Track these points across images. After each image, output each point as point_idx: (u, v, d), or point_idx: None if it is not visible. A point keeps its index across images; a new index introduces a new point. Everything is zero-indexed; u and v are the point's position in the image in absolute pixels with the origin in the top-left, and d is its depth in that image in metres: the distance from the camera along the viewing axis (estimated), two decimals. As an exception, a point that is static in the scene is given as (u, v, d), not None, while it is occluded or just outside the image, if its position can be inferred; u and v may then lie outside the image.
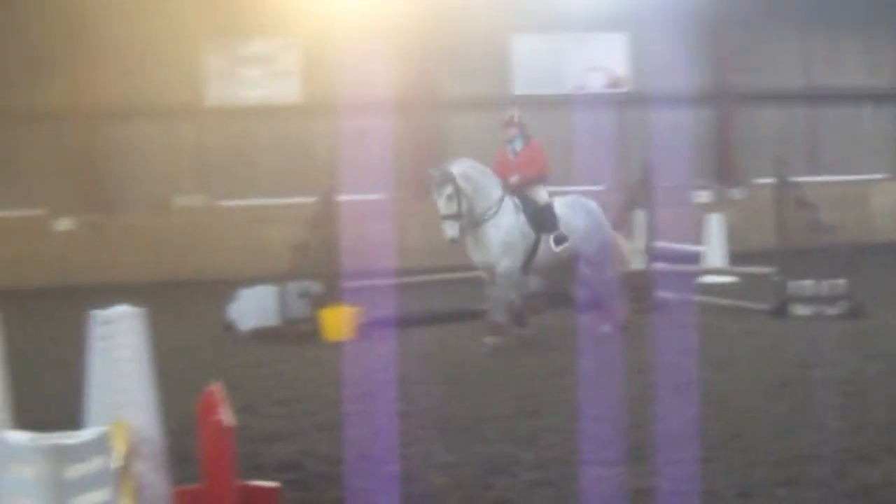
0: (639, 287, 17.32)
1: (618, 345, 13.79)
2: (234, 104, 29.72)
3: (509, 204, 14.31)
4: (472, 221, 14.04)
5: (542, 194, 14.73)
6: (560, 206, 14.91)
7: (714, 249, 21.70)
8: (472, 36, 30.19)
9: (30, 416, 6.71)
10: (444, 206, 13.81)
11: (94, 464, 4.66)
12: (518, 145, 14.92)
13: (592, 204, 15.59)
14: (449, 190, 13.80)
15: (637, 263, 17.08)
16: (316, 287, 15.91)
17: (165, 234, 27.35)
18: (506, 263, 14.13)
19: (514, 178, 14.48)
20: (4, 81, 28.65)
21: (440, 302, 17.65)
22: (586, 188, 25.57)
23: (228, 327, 16.16)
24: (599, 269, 15.31)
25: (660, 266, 18.10)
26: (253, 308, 16.05)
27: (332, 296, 15.39)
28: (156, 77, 28.92)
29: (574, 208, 15.11)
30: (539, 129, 28.17)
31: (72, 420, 6.33)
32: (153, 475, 6.00)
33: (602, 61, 31.55)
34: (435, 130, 30.38)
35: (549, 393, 11.12)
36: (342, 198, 16.68)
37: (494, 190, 14.29)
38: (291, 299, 15.86)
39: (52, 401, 10.22)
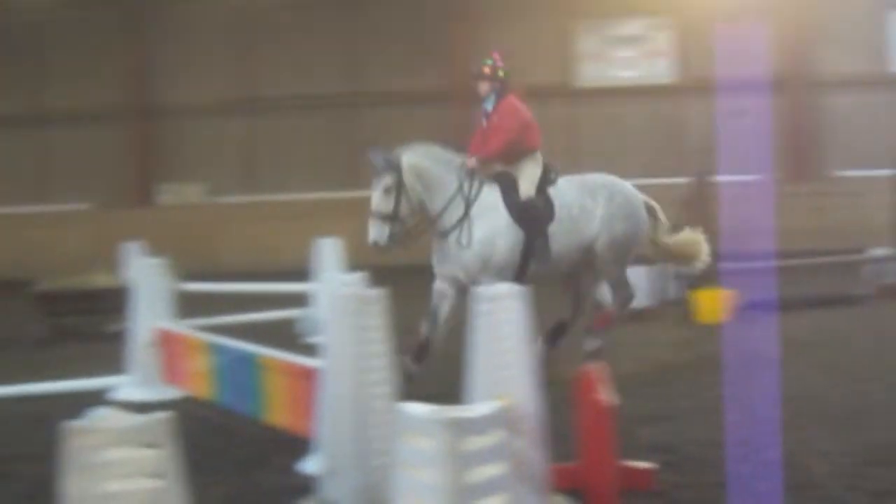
0: None
1: None
2: (605, 85, 29.87)
3: (489, 198, 10.96)
4: (432, 226, 10.97)
5: (525, 179, 11.18)
6: (564, 188, 11.40)
7: None
8: (849, 12, 29.35)
9: (413, 388, 6.88)
10: (376, 200, 10.71)
11: (491, 438, 4.72)
12: (490, 105, 11.40)
13: (616, 185, 11.79)
14: (388, 182, 10.69)
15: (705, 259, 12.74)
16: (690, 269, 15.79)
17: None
18: (487, 280, 10.21)
19: (470, 162, 11.02)
20: (386, 68, 29.74)
21: (818, 286, 17.16)
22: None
23: (600, 306, 16.18)
24: (609, 267, 11.65)
25: None
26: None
27: (707, 278, 15.19)
28: (529, 58, 29.35)
29: (582, 190, 11.48)
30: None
31: (452, 394, 6.46)
32: (532, 451, 6.04)
33: None
34: (812, 109, 29.68)
35: (935, 382, 10.66)
36: (718, 178, 16.46)
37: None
38: (666, 280, 15.79)
39: (432, 374, 10.48)
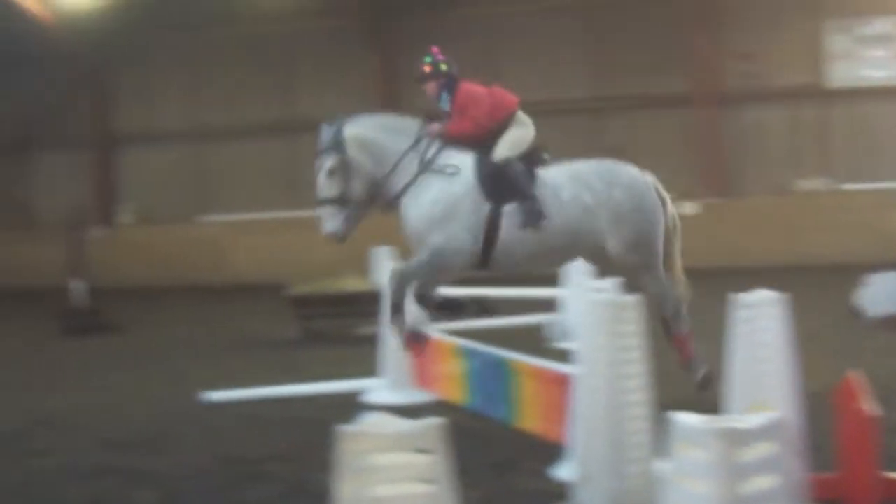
0: None
1: None
2: (857, 85, 29.04)
3: (449, 160, 9.69)
4: (388, 203, 10.08)
5: (504, 142, 9.80)
6: (553, 172, 9.78)
7: None
8: None
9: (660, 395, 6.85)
10: (320, 185, 9.74)
11: (765, 449, 4.67)
12: (446, 104, 10.08)
13: (631, 173, 9.93)
14: (332, 162, 9.70)
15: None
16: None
17: (787, 217, 27.14)
18: (436, 239, 9.52)
19: (432, 129, 9.90)
20: (631, 72, 29.58)
21: None
22: None
23: (856, 313, 15.76)
24: (643, 275, 9.79)
25: None
26: (884, 294, 15.57)
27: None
28: (777, 59, 28.82)
29: (587, 177, 9.71)
30: None
31: (707, 401, 6.39)
32: (791, 461, 5.93)
33: None
34: None
35: None
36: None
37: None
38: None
39: (683, 383, 10.37)
